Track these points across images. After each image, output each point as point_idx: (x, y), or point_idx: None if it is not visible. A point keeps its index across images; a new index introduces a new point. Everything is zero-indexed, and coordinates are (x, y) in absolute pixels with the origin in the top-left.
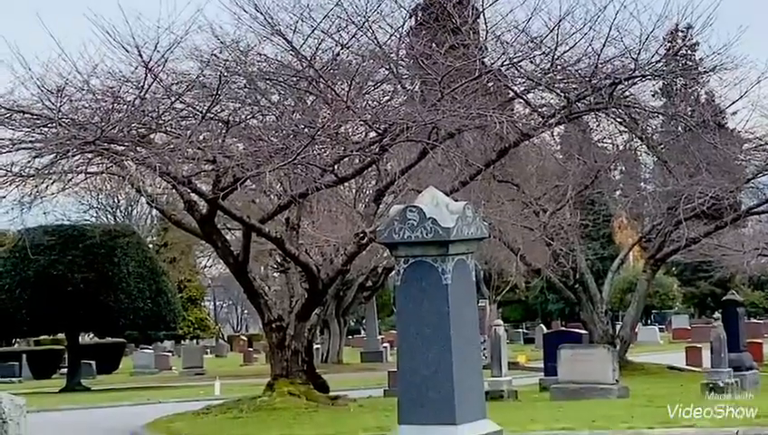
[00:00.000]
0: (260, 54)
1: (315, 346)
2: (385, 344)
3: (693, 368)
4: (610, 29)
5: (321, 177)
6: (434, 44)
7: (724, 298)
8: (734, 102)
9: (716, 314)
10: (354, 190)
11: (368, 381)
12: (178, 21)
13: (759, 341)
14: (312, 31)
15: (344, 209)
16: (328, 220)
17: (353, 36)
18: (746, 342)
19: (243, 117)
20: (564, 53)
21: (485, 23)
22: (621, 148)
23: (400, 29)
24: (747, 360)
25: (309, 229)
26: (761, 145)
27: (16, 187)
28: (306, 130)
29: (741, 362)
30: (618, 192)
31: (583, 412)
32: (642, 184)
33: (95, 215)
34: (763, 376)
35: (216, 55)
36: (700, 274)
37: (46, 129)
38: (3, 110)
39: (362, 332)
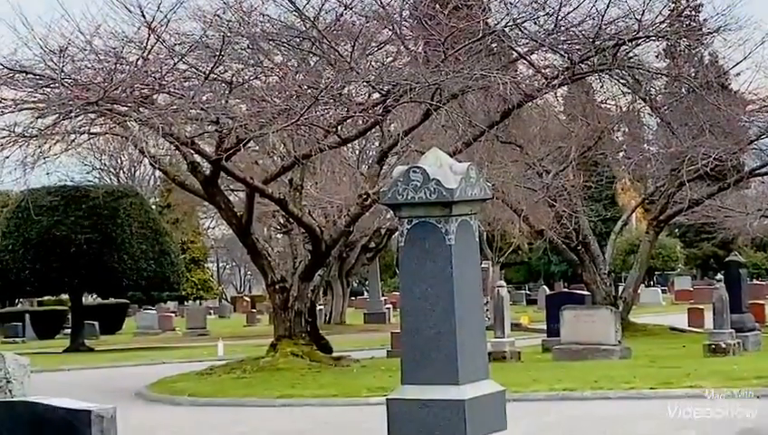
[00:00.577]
0: (263, 15)
1: (318, 307)
2: (388, 305)
3: (695, 329)
4: None
5: (325, 138)
6: (437, 5)
7: (726, 259)
8: (737, 63)
9: (719, 276)
10: (357, 151)
11: (371, 342)
12: None
13: (761, 302)
14: None
15: (347, 170)
16: (331, 181)
17: None
18: (748, 303)
19: (246, 78)
20: (568, 13)
21: None
22: (625, 109)
23: None
24: (749, 321)
25: (312, 190)
26: (764, 106)
27: (19, 147)
28: (309, 91)
29: (743, 324)
30: (621, 154)
31: (585, 373)
32: (645, 145)
33: (98, 175)
34: (764, 337)
35: (218, 16)
36: (703, 235)
37: (49, 89)
38: (5, 70)
39: (365, 293)
